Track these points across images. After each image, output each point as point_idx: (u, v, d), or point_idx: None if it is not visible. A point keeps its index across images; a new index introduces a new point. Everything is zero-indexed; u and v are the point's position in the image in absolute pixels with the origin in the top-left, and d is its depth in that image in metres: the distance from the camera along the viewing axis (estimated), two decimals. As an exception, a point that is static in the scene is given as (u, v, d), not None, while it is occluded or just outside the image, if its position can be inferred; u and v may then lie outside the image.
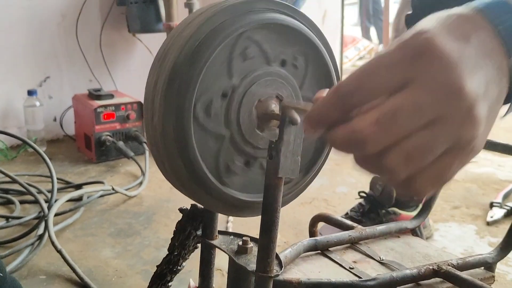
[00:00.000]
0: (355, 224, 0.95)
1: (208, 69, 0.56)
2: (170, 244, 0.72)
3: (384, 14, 3.21)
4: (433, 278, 0.77)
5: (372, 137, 0.34)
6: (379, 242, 0.94)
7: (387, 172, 0.36)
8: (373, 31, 5.19)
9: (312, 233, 1.05)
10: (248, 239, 0.68)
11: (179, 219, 0.71)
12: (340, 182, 1.87)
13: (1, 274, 0.56)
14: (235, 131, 0.61)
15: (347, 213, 1.43)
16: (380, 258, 0.86)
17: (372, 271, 0.81)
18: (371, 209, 1.39)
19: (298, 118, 0.58)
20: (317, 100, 0.41)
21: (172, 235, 0.71)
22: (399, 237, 0.98)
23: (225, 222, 1.48)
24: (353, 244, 0.91)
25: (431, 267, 0.78)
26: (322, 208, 1.65)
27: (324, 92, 0.50)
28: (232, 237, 0.71)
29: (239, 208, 0.62)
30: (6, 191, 1.69)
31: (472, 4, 0.39)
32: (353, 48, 3.17)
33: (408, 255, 0.90)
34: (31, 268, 1.23)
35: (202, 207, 0.69)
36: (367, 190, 1.43)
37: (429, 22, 0.37)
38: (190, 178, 0.58)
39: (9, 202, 1.62)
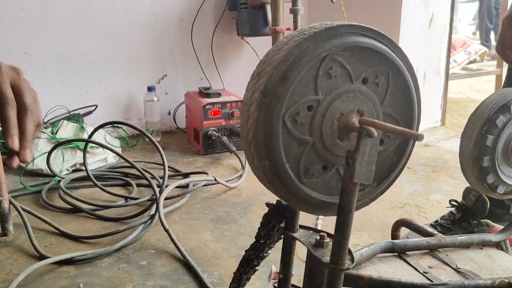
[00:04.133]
0: (436, 232, 0.98)
1: (295, 87, 0.65)
2: (257, 233, 0.82)
3: (501, 14, 3.02)
4: (507, 291, 0.79)
5: None
6: (459, 251, 0.96)
7: None
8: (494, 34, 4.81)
9: (394, 237, 1.10)
10: (325, 234, 0.76)
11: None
12: (435, 190, 1.86)
13: None
14: (317, 139, 0.69)
15: (437, 221, 1.44)
16: (457, 266, 0.89)
17: (446, 277, 0.85)
18: (463, 219, 1.38)
19: (375, 132, 0.65)
20: None
21: (259, 226, 0.82)
22: (482, 248, 0.99)
23: (315, 219, 1.57)
24: (431, 250, 0.95)
25: (506, 280, 0.80)
26: (413, 214, 1.66)
27: None
28: (311, 232, 0.80)
29: (313, 206, 0.71)
30: (126, 174, 1.94)
31: None
32: (463, 52, 3.04)
33: (487, 267, 0.92)
34: (143, 243, 1.43)
35: (286, 203, 0.79)
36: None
37: None
38: (274, 175, 0.67)
39: (128, 184, 1.86)
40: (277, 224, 0.83)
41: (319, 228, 1.52)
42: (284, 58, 0.66)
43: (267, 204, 0.82)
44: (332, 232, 0.77)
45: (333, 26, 0.67)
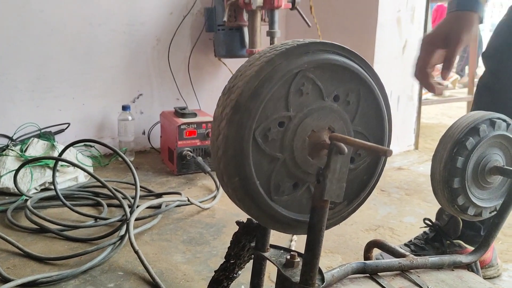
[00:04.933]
0: (407, 253, 0.97)
1: (267, 103, 0.65)
2: (226, 253, 0.80)
3: (471, 45, 3.13)
4: (477, 313, 0.78)
5: None
6: (431, 273, 0.96)
7: None
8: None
9: (367, 258, 1.09)
10: (296, 254, 0.75)
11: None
12: (409, 212, 1.86)
13: None
14: (288, 156, 0.68)
15: (410, 240, 1.44)
16: (428, 287, 0.88)
17: (417, 299, 0.84)
18: (435, 238, 1.38)
19: (345, 148, 0.65)
20: None
21: (229, 245, 0.80)
22: (453, 270, 0.99)
23: (288, 240, 1.55)
24: (403, 271, 0.94)
25: (476, 302, 0.80)
26: (386, 236, 1.66)
27: None
28: (282, 251, 0.78)
29: (284, 225, 0.70)
30: (97, 194, 1.90)
31: None
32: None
33: (458, 288, 0.91)
34: (111, 264, 1.39)
35: (257, 222, 0.77)
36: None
37: None
38: (244, 192, 0.66)
39: (98, 204, 1.82)
40: (247, 244, 0.81)
41: (292, 249, 1.51)
42: (255, 74, 0.66)
43: (238, 223, 0.81)
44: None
45: (305, 43, 0.67)
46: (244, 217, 0.72)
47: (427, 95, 3.05)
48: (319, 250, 0.68)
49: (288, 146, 0.68)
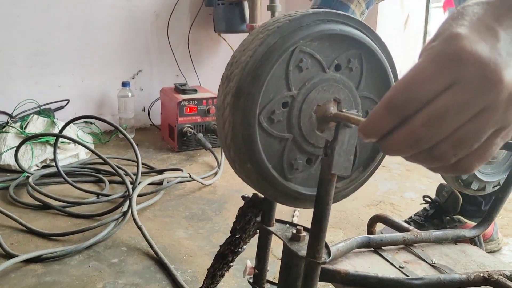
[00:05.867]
0: (411, 227, 0.98)
1: (267, 85, 0.63)
2: (232, 227, 0.80)
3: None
4: (483, 286, 0.79)
5: (426, 135, 0.39)
6: (434, 246, 0.96)
7: (439, 160, 0.41)
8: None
9: (370, 233, 1.09)
10: (302, 228, 0.74)
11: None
12: (409, 188, 1.87)
13: None
14: (297, 134, 0.67)
15: (410, 217, 1.45)
16: (432, 261, 0.89)
17: (421, 272, 0.85)
18: (435, 215, 1.39)
19: (353, 120, 0.63)
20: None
21: (235, 219, 0.80)
22: (456, 244, 0.99)
23: (291, 216, 1.56)
24: (407, 246, 0.94)
25: (481, 275, 0.80)
26: (387, 211, 1.67)
27: None
28: (287, 225, 0.78)
29: (300, 200, 0.69)
30: (98, 171, 1.89)
31: None
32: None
33: (462, 262, 0.92)
34: (115, 240, 1.39)
35: (263, 196, 0.77)
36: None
37: (456, 23, 0.40)
38: (258, 177, 0.65)
39: (100, 181, 1.82)
40: (253, 218, 0.81)
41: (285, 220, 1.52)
42: (251, 59, 0.64)
43: (243, 197, 0.80)
44: (308, 227, 0.76)
45: (297, 17, 0.65)
46: (245, 192, 0.72)
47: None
48: (326, 223, 0.67)
49: (296, 124, 0.67)
